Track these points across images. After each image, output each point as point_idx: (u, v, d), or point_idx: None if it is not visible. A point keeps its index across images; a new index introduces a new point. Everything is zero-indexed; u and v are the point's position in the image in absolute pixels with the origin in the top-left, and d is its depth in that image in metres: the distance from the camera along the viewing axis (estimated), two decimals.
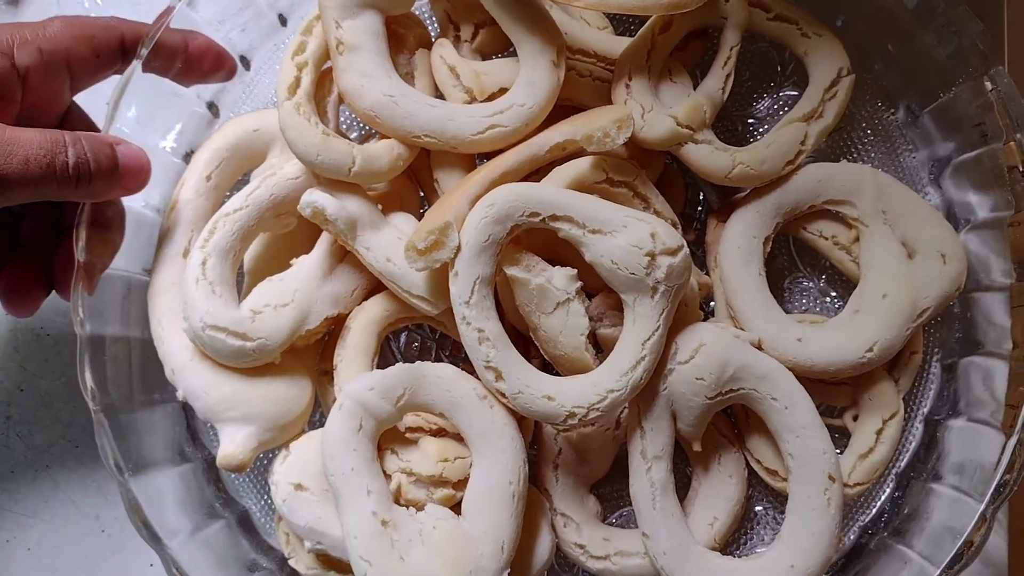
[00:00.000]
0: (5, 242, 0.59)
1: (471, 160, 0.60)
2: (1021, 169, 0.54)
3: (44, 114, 0.56)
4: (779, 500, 0.61)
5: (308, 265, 0.58)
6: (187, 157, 0.63)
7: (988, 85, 0.54)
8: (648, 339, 0.52)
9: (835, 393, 0.60)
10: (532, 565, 0.55)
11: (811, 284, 0.65)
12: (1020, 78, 0.54)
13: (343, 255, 0.59)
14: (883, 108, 0.64)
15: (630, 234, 0.51)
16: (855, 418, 0.59)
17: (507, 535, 0.51)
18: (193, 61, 0.59)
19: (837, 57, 0.58)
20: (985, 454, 0.54)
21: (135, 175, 0.54)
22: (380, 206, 0.59)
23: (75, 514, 0.67)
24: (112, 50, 0.57)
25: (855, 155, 0.64)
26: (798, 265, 0.65)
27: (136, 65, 0.57)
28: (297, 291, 0.57)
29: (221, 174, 0.61)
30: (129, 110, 0.58)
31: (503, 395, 0.52)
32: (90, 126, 0.60)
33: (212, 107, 0.65)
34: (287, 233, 0.61)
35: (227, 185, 0.62)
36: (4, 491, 0.67)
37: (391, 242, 0.56)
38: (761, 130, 0.65)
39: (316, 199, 0.55)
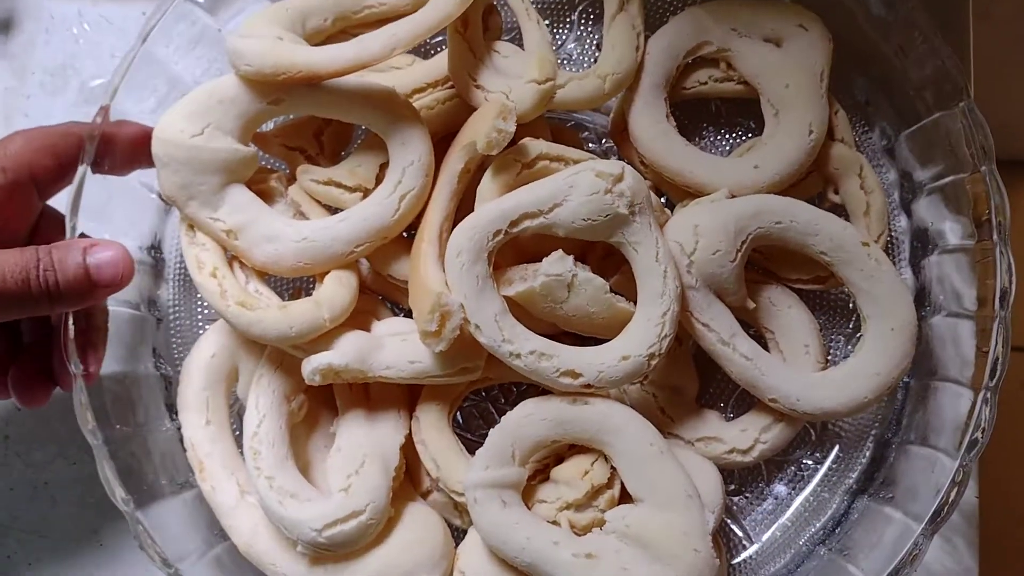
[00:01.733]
0: (9, 343, 0.61)
1: (404, 240, 0.61)
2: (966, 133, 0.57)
3: (16, 227, 0.57)
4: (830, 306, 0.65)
5: (351, 421, 0.58)
6: (151, 250, 0.64)
7: (959, 115, 0.57)
8: (658, 253, 0.54)
9: (805, 187, 0.64)
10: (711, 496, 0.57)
11: (721, 134, 0.68)
12: (984, 103, 0.57)
13: (363, 391, 0.60)
14: (861, 127, 0.66)
15: (580, 188, 0.54)
16: (836, 191, 0.63)
17: (683, 482, 0.53)
18: (127, 150, 0.59)
19: None
20: (955, 412, 0.56)
21: (112, 279, 0.54)
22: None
23: (74, 530, 0.67)
24: (73, 156, 0.57)
25: None
26: (699, 128, 0.68)
27: (84, 170, 0.57)
28: (361, 446, 0.57)
29: (214, 411, 0.60)
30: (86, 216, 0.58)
31: (588, 387, 0.54)
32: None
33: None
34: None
35: (226, 412, 0.61)
36: (3, 508, 0.68)
37: (401, 348, 0.57)
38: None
39: (317, 363, 0.55)
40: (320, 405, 0.61)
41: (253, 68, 0.55)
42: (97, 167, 0.57)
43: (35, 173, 0.56)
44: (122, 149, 0.58)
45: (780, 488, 0.63)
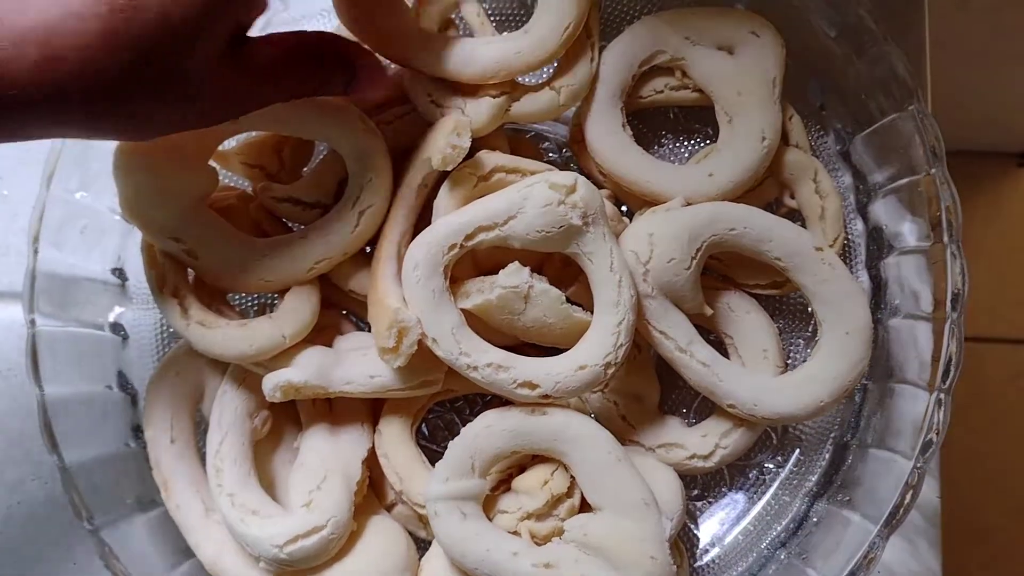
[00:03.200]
0: None
1: (365, 256, 0.62)
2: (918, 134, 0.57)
3: None
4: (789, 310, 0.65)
5: (313, 436, 0.59)
6: (116, 271, 0.65)
7: (909, 117, 0.58)
8: (612, 263, 0.55)
9: (761, 193, 0.64)
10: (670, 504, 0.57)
11: (680, 141, 0.68)
12: (941, 106, 0.58)
13: (325, 405, 0.60)
14: (816, 131, 0.66)
15: (534, 200, 0.54)
16: (791, 196, 0.64)
17: (640, 490, 0.53)
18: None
19: None
20: (912, 414, 0.56)
21: None
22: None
23: (47, 550, 0.67)
24: None
25: None
26: (658, 136, 0.68)
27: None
28: (324, 461, 0.57)
29: (179, 429, 0.61)
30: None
31: (546, 397, 0.54)
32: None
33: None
34: None
35: (191, 430, 0.62)
36: None
37: (362, 363, 0.57)
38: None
39: (276, 380, 0.56)
40: (285, 420, 0.62)
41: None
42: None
43: None
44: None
45: (742, 493, 0.64)
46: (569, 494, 0.55)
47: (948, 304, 0.54)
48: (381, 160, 0.59)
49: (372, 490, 0.61)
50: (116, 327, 0.64)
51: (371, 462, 0.60)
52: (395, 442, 0.59)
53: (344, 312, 0.64)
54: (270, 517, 0.55)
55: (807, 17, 0.62)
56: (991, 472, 1.51)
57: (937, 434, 0.53)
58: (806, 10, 0.62)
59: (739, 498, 0.63)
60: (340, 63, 0.55)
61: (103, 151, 0.60)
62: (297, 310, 0.58)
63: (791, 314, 0.65)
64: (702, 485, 0.63)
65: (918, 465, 0.53)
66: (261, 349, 0.56)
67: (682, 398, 0.64)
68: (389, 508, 0.60)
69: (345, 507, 0.56)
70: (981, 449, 1.44)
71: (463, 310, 0.56)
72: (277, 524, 0.55)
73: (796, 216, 0.63)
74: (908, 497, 0.53)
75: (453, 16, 0.65)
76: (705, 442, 0.59)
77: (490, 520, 0.55)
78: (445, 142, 0.55)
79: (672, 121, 0.68)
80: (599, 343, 0.55)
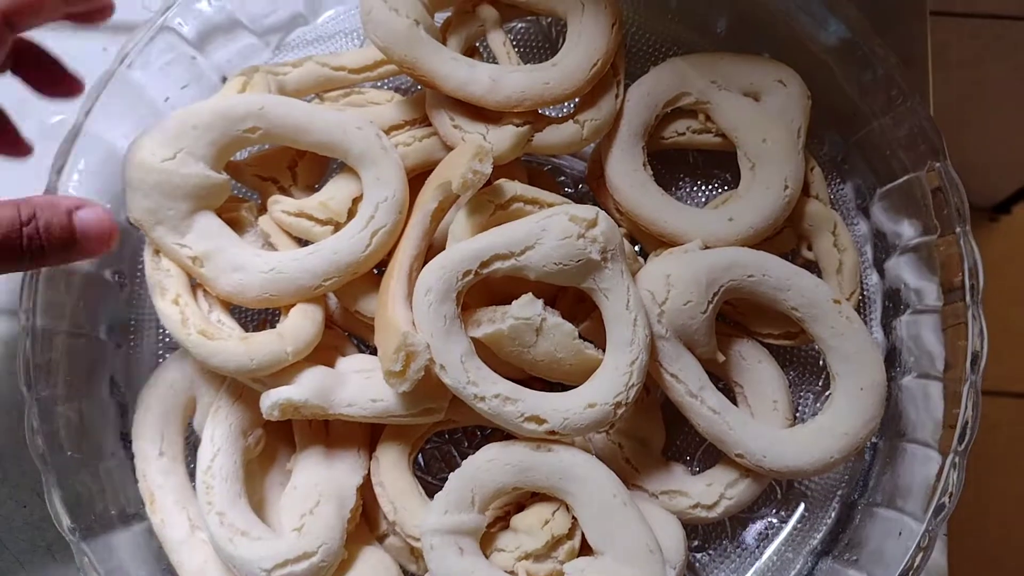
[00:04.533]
0: None
1: (373, 277, 0.60)
2: (941, 193, 0.57)
3: None
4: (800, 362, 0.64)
5: (308, 459, 0.57)
6: (116, 274, 0.63)
7: (934, 176, 0.58)
8: (629, 301, 0.54)
9: (779, 242, 0.63)
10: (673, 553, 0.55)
11: (697, 185, 0.68)
12: (952, 108, 0.58)
13: (322, 427, 0.59)
14: (835, 183, 0.66)
15: (553, 232, 0.53)
16: (809, 247, 0.63)
17: (645, 537, 0.52)
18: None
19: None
20: (923, 475, 0.55)
21: (97, 240, 0.52)
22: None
23: (23, 574, 0.64)
24: None
25: None
26: (676, 178, 0.68)
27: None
28: (317, 485, 0.55)
29: (169, 442, 0.59)
30: None
31: (553, 434, 0.53)
32: (41, 56, 0.57)
33: None
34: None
35: (181, 443, 0.60)
36: None
37: (364, 386, 0.56)
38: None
39: (276, 397, 0.54)
40: (278, 440, 0.60)
41: (382, 44, 0.57)
42: None
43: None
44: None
45: (744, 546, 0.62)
46: (570, 536, 0.54)
47: (968, 365, 0.53)
48: (398, 180, 0.58)
49: (364, 519, 0.59)
50: (110, 332, 0.62)
51: (365, 490, 0.58)
52: (392, 470, 0.57)
53: (347, 334, 0.63)
54: (260, 539, 0.53)
55: (832, 70, 0.63)
56: (999, 530, 1.50)
57: (950, 498, 0.52)
58: (832, 63, 0.63)
59: (741, 552, 0.62)
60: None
61: (99, 149, 0.60)
62: (302, 327, 0.57)
63: (802, 366, 0.64)
64: (703, 536, 0.62)
65: (930, 528, 0.52)
66: (263, 364, 0.54)
67: (687, 444, 0.63)
68: (380, 539, 0.58)
69: (337, 534, 0.54)
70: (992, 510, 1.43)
71: (473, 339, 0.54)
72: (267, 547, 0.53)
73: (812, 268, 0.62)
74: (919, 560, 0.51)
75: (478, 44, 0.64)
76: (710, 491, 0.58)
77: (487, 557, 0.53)
78: (467, 167, 0.54)
79: (691, 165, 0.68)
80: (610, 381, 0.53)
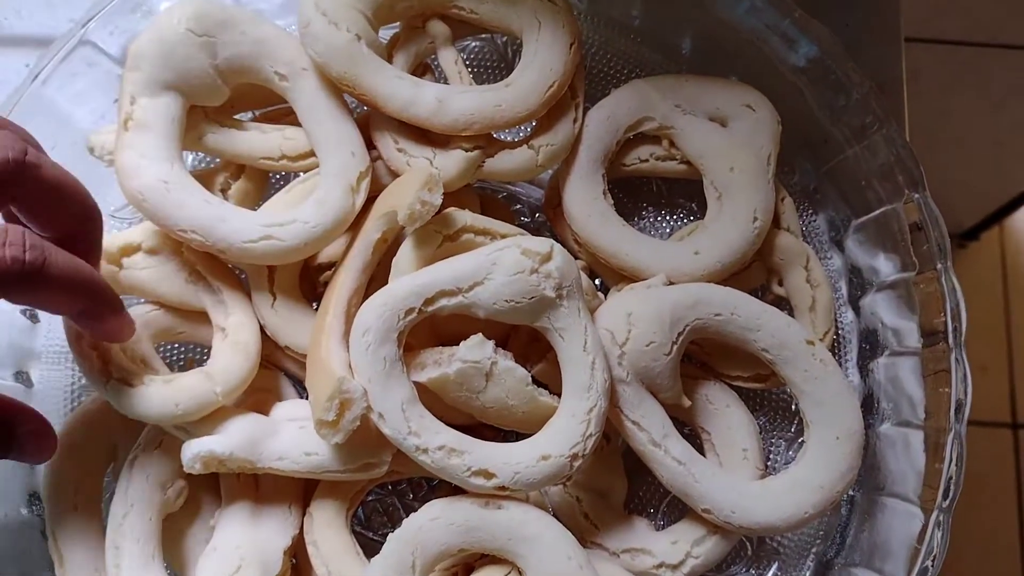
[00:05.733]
0: None
1: (307, 307, 0.55)
2: (920, 227, 0.54)
3: None
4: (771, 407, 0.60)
5: (232, 516, 0.51)
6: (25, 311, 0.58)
7: (883, 144, 0.55)
8: (586, 342, 0.49)
9: (747, 278, 0.59)
10: None
11: (661, 215, 0.64)
12: (922, 135, 0.55)
13: (251, 479, 0.53)
14: (807, 214, 0.62)
15: (504, 266, 0.48)
16: (779, 283, 0.59)
17: None
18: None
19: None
20: (905, 534, 0.51)
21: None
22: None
23: None
24: None
25: None
26: (639, 208, 0.64)
27: None
28: (239, 547, 0.50)
29: (83, 497, 0.53)
30: None
31: (503, 489, 0.48)
32: None
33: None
34: None
35: (98, 498, 0.54)
36: None
37: (298, 437, 0.50)
38: None
39: (199, 448, 0.48)
40: (205, 491, 0.54)
41: (320, 60, 0.53)
42: None
43: None
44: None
45: None
46: None
47: (951, 414, 0.49)
48: (334, 217, 0.53)
49: None
50: (20, 376, 0.56)
51: (299, 547, 0.52)
52: (326, 528, 0.52)
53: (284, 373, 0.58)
54: None
55: (803, 94, 0.59)
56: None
57: (934, 560, 0.48)
58: (802, 87, 0.59)
59: None
60: None
61: None
62: (233, 364, 0.52)
63: (773, 411, 0.60)
64: None
65: None
66: (188, 409, 0.49)
67: (650, 496, 0.58)
68: None
69: None
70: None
71: (416, 383, 0.49)
72: None
73: (783, 305, 0.58)
74: None
75: (429, 61, 0.60)
76: (675, 549, 0.53)
77: None
78: (415, 197, 0.49)
79: (655, 194, 0.64)
80: (566, 431, 0.49)
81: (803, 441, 0.53)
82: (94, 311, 0.46)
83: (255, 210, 0.56)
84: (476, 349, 0.49)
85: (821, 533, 0.57)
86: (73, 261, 0.42)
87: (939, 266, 0.52)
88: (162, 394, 0.50)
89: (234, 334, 0.54)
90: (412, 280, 0.49)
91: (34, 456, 0.47)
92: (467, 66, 0.59)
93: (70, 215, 0.45)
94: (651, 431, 0.52)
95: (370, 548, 0.51)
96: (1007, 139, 1.32)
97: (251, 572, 0.49)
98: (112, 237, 0.55)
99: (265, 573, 0.49)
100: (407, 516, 0.49)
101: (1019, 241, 1.69)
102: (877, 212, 0.57)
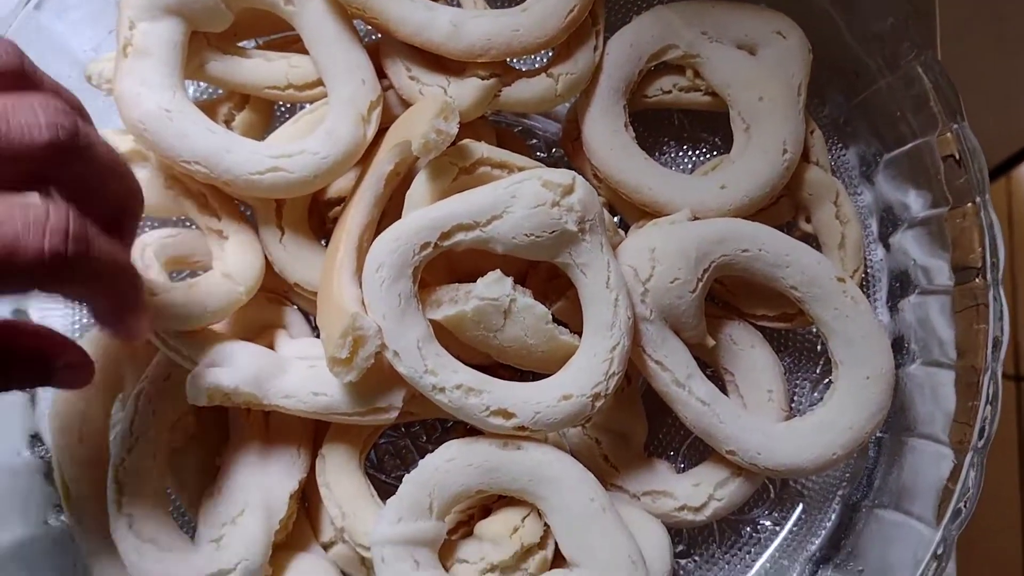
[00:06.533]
0: None
1: (316, 242, 0.53)
2: (957, 158, 0.51)
3: None
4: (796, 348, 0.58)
5: (239, 456, 0.50)
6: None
7: (921, 72, 0.52)
8: (609, 278, 0.47)
9: (775, 213, 0.57)
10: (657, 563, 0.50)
11: (684, 151, 0.61)
12: (952, 65, 0.52)
13: (262, 418, 0.52)
14: (836, 148, 0.60)
15: (524, 199, 0.46)
16: (807, 219, 0.57)
17: (626, 546, 0.46)
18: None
19: None
20: (934, 475, 0.50)
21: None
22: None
23: None
24: None
25: None
26: (660, 142, 0.61)
27: None
28: (243, 490, 0.49)
29: (89, 429, 0.51)
30: None
31: (522, 430, 0.46)
32: None
33: None
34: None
35: (105, 430, 0.52)
36: None
37: (307, 376, 0.48)
38: None
39: (205, 381, 0.47)
40: (212, 425, 0.53)
41: None
42: None
43: None
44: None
45: (734, 552, 0.56)
46: (542, 545, 0.48)
47: (988, 352, 0.47)
48: (344, 148, 0.50)
49: (309, 523, 0.52)
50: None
51: (310, 490, 0.51)
52: (339, 471, 0.50)
53: (295, 306, 0.56)
54: (170, 551, 0.46)
55: (835, 21, 0.56)
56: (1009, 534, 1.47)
57: (967, 503, 0.46)
58: (834, 13, 0.56)
59: (731, 559, 0.56)
60: (31, 366, 0.42)
61: None
62: (244, 261, 0.51)
63: (798, 352, 0.58)
64: (688, 541, 0.56)
65: (946, 536, 0.46)
66: (219, 308, 0.49)
67: (671, 438, 0.57)
68: (327, 547, 0.52)
69: (259, 550, 0.47)
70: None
71: (432, 321, 0.48)
72: (177, 562, 0.46)
73: (811, 242, 0.56)
74: (932, 572, 0.46)
75: None
76: (698, 492, 0.51)
77: (447, 570, 0.47)
78: (429, 126, 0.47)
79: (676, 128, 0.61)
80: (588, 370, 0.47)
81: (829, 382, 0.52)
82: (120, 310, 0.41)
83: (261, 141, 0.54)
84: (494, 286, 0.47)
85: (847, 475, 0.56)
86: (112, 255, 0.38)
87: (977, 199, 0.49)
88: (188, 297, 0.48)
89: (235, 234, 0.52)
90: (427, 213, 0.47)
91: (71, 386, 0.45)
92: None
93: (114, 199, 0.41)
94: (675, 371, 0.50)
95: (383, 491, 0.50)
96: (1016, 91, 1.29)
97: (254, 516, 0.48)
98: None
99: (268, 518, 0.48)
100: (421, 458, 0.48)
101: None
102: (910, 146, 0.54)
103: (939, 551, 0.46)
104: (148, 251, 0.51)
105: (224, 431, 0.53)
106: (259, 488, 0.49)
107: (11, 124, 0.35)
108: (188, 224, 0.57)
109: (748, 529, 0.56)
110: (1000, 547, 1.55)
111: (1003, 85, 1.30)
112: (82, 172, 0.38)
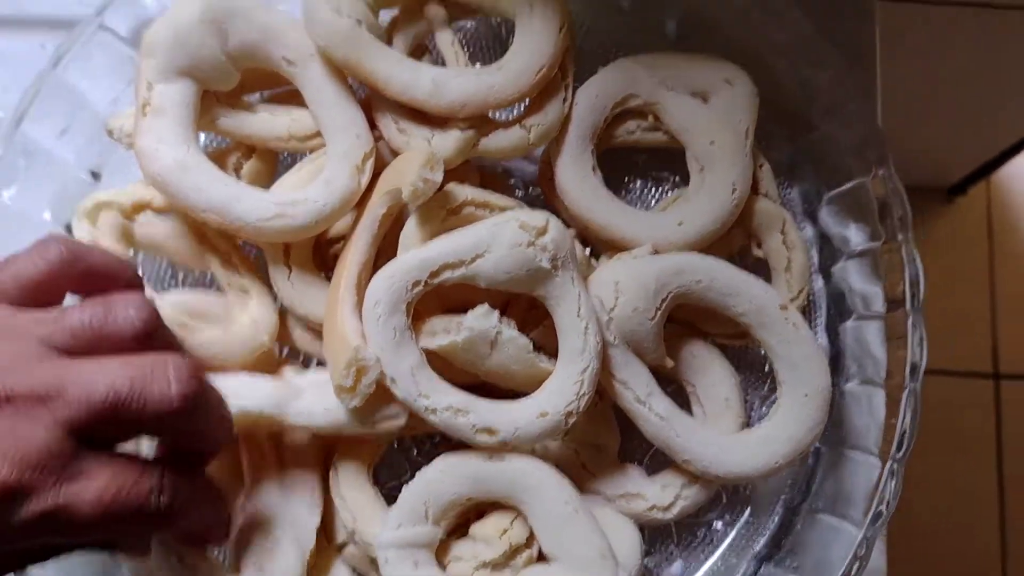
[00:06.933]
0: None
1: (323, 283, 0.59)
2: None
3: None
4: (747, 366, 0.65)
5: (260, 495, 0.56)
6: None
7: (854, 122, 0.58)
8: (580, 308, 0.54)
9: (729, 241, 0.63)
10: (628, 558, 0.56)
11: (647, 187, 0.68)
12: (898, 92, 0.57)
13: (275, 460, 0.57)
14: (783, 185, 0.65)
15: (503, 240, 0.52)
16: (759, 245, 0.63)
17: (597, 543, 0.53)
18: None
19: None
20: (866, 483, 0.56)
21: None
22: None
23: None
24: None
25: None
26: (624, 180, 0.68)
27: None
28: (273, 524, 0.55)
29: None
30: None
31: (505, 444, 0.53)
32: None
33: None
34: None
35: None
36: None
37: (319, 395, 0.55)
38: None
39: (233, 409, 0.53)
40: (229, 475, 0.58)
41: (324, 45, 0.56)
42: None
43: None
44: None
45: (689, 551, 0.63)
46: (528, 545, 0.54)
47: (907, 374, 0.54)
48: (341, 196, 0.57)
49: (323, 530, 0.58)
50: None
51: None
52: (351, 484, 0.56)
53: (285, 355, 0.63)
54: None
55: (781, 72, 0.63)
56: (937, 530, 1.54)
57: (887, 506, 0.53)
58: (778, 64, 0.63)
59: (686, 556, 0.63)
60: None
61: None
62: (266, 313, 0.58)
63: (749, 370, 0.65)
64: (648, 541, 0.62)
65: (867, 535, 0.53)
66: (244, 352, 0.56)
67: (639, 446, 0.63)
68: (340, 548, 0.58)
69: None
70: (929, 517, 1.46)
71: (425, 348, 0.54)
72: None
73: (763, 266, 0.62)
74: (855, 568, 0.53)
75: (426, 42, 0.63)
76: (665, 493, 0.58)
77: (444, 567, 0.54)
78: (417, 175, 0.53)
79: (640, 167, 0.68)
80: (561, 391, 0.54)
81: (775, 399, 0.58)
82: (210, 532, 0.47)
83: (267, 188, 0.60)
84: (483, 319, 0.53)
85: (789, 482, 0.63)
86: (201, 504, 0.43)
87: (900, 238, 0.56)
88: (221, 340, 0.55)
89: (255, 289, 0.59)
90: (417, 254, 0.54)
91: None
92: (463, 46, 0.62)
93: (212, 441, 0.44)
94: (636, 390, 0.56)
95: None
96: (994, 96, 1.35)
97: (288, 549, 0.53)
98: (127, 192, 0.59)
99: (301, 550, 0.54)
100: (412, 470, 0.54)
101: (1005, 195, 1.74)
102: (848, 185, 0.61)
103: (860, 551, 0.53)
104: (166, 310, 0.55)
105: (239, 479, 0.57)
106: (287, 522, 0.55)
107: (147, 396, 0.38)
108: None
109: (703, 530, 0.63)
110: (980, 542, 1.61)
111: (979, 94, 1.35)
112: (194, 431, 0.43)
